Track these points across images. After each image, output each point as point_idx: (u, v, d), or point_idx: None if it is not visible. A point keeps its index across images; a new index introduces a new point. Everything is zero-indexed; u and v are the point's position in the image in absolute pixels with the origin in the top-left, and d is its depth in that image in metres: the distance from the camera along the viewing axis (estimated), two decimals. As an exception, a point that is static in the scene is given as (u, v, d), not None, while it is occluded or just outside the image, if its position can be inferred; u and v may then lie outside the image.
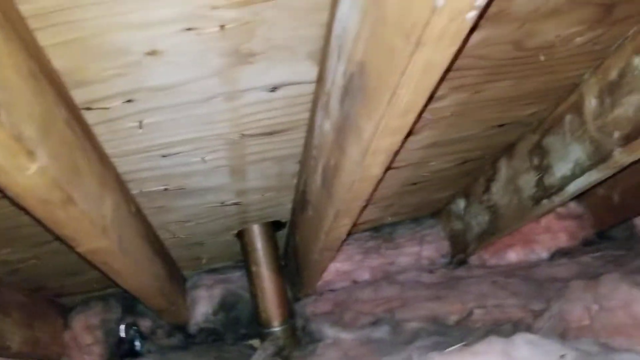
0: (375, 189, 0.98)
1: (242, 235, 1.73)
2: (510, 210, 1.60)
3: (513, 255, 2.06)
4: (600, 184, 2.06)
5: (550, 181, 1.37)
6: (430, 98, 0.81)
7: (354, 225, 1.99)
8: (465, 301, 1.65)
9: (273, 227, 1.76)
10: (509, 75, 1.09)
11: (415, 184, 1.69)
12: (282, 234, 1.82)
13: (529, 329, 1.51)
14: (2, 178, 0.64)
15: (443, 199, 1.99)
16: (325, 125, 0.92)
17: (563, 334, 1.37)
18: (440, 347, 1.19)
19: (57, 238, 1.33)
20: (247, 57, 0.83)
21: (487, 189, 1.71)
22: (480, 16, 0.77)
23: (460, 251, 2.03)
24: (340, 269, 2.06)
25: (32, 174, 0.63)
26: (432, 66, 0.57)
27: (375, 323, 1.56)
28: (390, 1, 0.54)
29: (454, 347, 0.94)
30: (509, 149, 1.53)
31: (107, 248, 0.98)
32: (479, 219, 1.81)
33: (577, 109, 1.21)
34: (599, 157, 1.18)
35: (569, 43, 1.00)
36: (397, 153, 0.84)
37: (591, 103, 1.17)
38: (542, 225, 2.09)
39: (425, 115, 1.18)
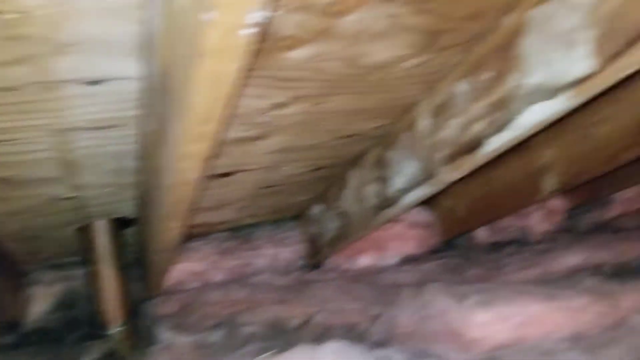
0: (198, 193, 0.96)
1: (83, 231, 1.64)
2: (357, 218, 1.66)
3: (365, 260, 2.14)
4: (447, 197, 2.23)
5: (389, 193, 1.44)
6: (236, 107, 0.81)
7: (211, 225, 2.00)
8: (308, 305, 1.68)
9: (120, 223, 1.68)
10: (347, 90, 1.12)
11: (269, 187, 1.70)
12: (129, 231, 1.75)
13: (364, 333, 1.58)
14: None
15: (302, 203, 2.02)
16: (149, 125, 0.89)
17: (391, 339, 1.45)
18: (267, 351, 1.21)
19: None
20: (59, 48, 0.78)
21: (339, 197, 1.76)
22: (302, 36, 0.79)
23: (315, 255, 2.07)
24: (194, 269, 2.02)
25: None
26: (220, 77, 0.56)
27: (214, 327, 1.55)
28: (178, 10, 0.53)
29: (263, 356, 0.95)
30: (357, 160, 1.59)
31: None
32: (331, 225, 1.86)
33: (412, 127, 1.28)
34: (427, 173, 1.26)
35: (399, 65, 1.05)
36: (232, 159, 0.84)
37: (422, 123, 1.24)
38: (394, 233, 2.19)
39: (267, 120, 1.18)
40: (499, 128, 1.01)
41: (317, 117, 1.23)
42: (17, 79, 0.85)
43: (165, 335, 1.46)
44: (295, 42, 0.89)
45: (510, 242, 2.21)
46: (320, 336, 1.54)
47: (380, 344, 1.47)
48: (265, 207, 1.96)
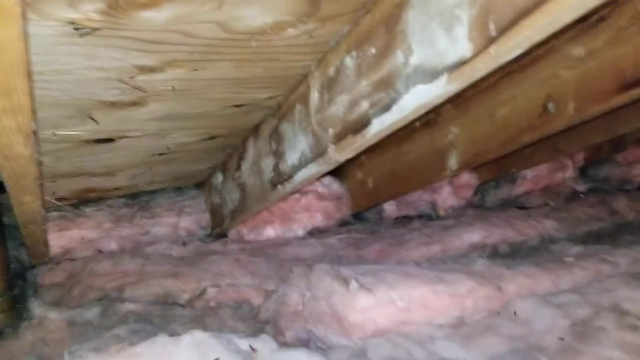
0: (38, 167, 0.85)
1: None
2: (255, 190, 1.58)
3: (271, 232, 2.07)
4: (357, 169, 2.18)
5: (283, 168, 1.37)
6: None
7: (104, 190, 1.87)
8: (201, 279, 1.60)
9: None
10: (225, 57, 1.02)
11: (162, 154, 1.59)
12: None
13: (253, 310, 1.53)
14: None
15: (203, 171, 1.92)
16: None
17: (279, 318, 1.39)
18: (138, 334, 1.13)
19: None
20: None
21: (238, 167, 1.67)
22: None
23: (218, 225, 1.99)
24: (85, 236, 1.90)
25: None
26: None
27: (92, 302, 1.45)
28: None
29: (117, 346, 0.87)
30: (255, 130, 1.50)
31: None
32: (232, 196, 1.78)
33: (305, 100, 1.20)
34: (318, 151, 1.19)
35: (281, 33, 0.96)
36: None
37: (315, 96, 1.16)
38: (302, 204, 2.13)
39: (140, 85, 1.07)
40: (384, 109, 0.95)
41: (198, 84, 1.13)
42: None
43: (39, 310, 1.35)
44: (151, 1, 0.78)
45: (418, 217, 2.21)
46: (208, 314, 1.48)
47: (267, 322, 1.42)
48: (162, 175, 1.86)
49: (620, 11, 1.15)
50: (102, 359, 0.83)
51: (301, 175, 1.30)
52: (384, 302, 1.17)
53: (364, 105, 1.00)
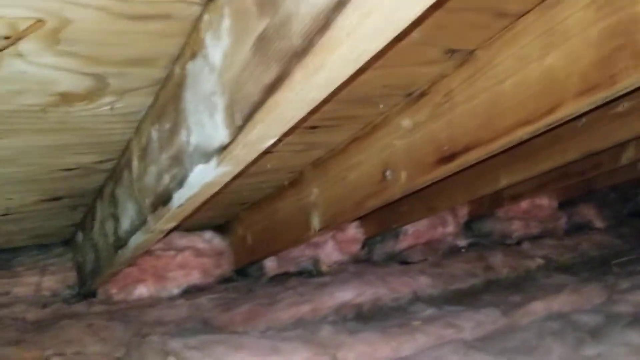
0: None
1: None
2: (104, 253, 1.53)
3: (143, 291, 2.00)
4: (238, 225, 2.16)
5: (120, 232, 1.33)
6: None
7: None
8: (46, 347, 1.52)
9: None
10: (23, 127, 0.99)
11: (6, 215, 1.52)
12: None
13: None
14: None
15: (65, 228, 1.85)
16: None
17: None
18: None
19: None
20: None
21: (92, 227, 1.62)
22: None
23: (83, 284, 1.91)
24: None
25: None
26: None
27: None
28: None
29: None
30: (100, 191, 1.46)
31: None
32: (89, 256, 1.71)
33: (129, 166, 1.18)
34: (141, 219, 1.16)
35: (76, 105, 0.94)
36: None
37: (135, 164, 1.14)
38: (177, 262, 2.08)
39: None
40: (179, 184, 0.94)
41: (10, 152, 1.09)
42: None
43: None
44: None
45: (299, 273, 2.19)
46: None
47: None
48: (18, 233, 1.77)
49: (437, 88, 1.19)
50: None
51: (134, 241, 1.26)
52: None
53: (166, 178, 0.98)
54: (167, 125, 0.94)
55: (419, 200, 2.09)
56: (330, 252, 2.28)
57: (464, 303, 1.74)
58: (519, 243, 2.48)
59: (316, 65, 0.55)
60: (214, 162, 0.81)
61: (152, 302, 1.93)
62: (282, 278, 2.14)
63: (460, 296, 1.89)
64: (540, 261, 2.25)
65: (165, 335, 1.33)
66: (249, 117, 0.69)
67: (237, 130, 0.72)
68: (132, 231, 1.24)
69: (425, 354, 1.27)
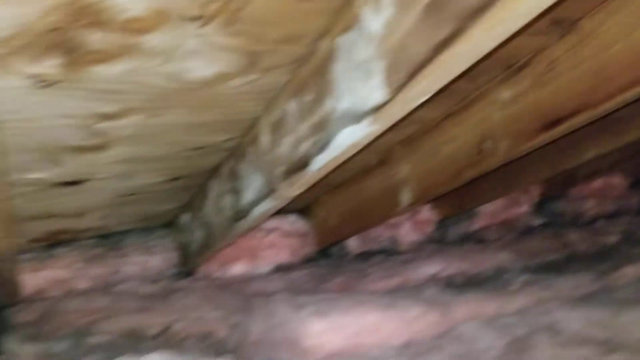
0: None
1: None
2: (217, 228, 1.67)
3: (238, 269, 2.15)
4: (321, 206, 2.28)
5: (241, 205, 1.46)
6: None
7: (75, 232, 1.94)
8: (170, 313, 1.67)
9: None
10: (178, 104, 1.13)
11: (129, 195, 1.68)
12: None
13: (219, 342, 1.59)
14: None
15: (171, 211, 2.00)
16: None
17: (242, 349, 1.46)
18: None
19: None
20: None
21: (202, 206, 1.76)
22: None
23: (185, 263, 2.06)
24: (57, 276, 1.95)
25: None
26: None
27: (63, 336, 1.51)
28: None
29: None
30: (215, 171, 1.60)
31: None
32: (197, 234, 1.86)
33: (256, 142, 1.31)
34: (270, 188, 1.29)
35: (226, 83, 1.07)
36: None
37: (263, 138, 1.27)
38: (268, 242, 2.22)
39: (103, 131, 1.17)
40: (321, 148, 1.06)
41: (156, 129, 1.23)
42: None
43: (10, 345, 1.41)
44: (103, 57, 0.89)
45: (379, 252, 2.30)
46: (175, 345, 1.54)
47: (231, 352, 1.49)
48: (130, 215, 1.93)
49: (539, 59, 1.28)
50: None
51: (257, 212, 1.39)
52: (336, 326, 1.25)
53: (305, 145, 1.11)
54: (309, 97, 1.06)
55: (497, 179, 2.16)
56: (407, 233, 2.38)
57: (553, 272, 1.81)
58: (593, 221, 2.53)
59: (495, 20, 0.65)
60: (365, 122, 0.92)
61: (248, 278, 2.07)
62: (365, 256, 2.25)
63: (545, 269, 1.96)
64: (619, 236, 2.29)
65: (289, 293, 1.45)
66: (412, 76, 0.80)
67: (397, 90, 0.83)
68: (257, 201, 1.37)
69: (531, 310, 1.36)
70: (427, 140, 1.66)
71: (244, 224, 1.50)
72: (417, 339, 1.32)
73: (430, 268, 1.99)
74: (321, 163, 1.08)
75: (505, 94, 1.38)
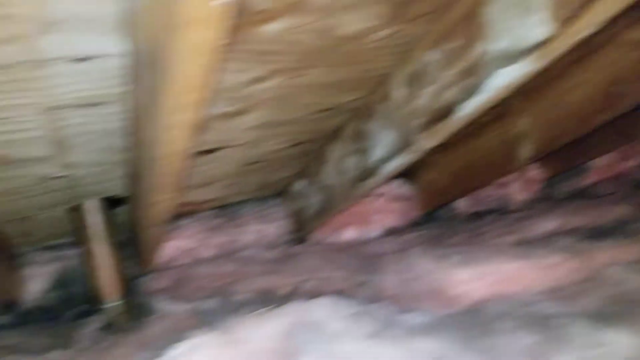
0: (190, 165, 1.01)
1: (75, 211, 1.69)
2: (338, 190, 1.72)
3: (349, 234, 2.21)
4: (427, 170, 2.29)
5: (369, 164, 1.50)
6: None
7: (197, 204, 2.05)
8: (296, 274, 1.75)
9: (110, 202, 1.73)
10: (322, 62, 1.17)
11: (252, 163, 1.75)
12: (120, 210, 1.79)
13: (351, 298, 1.65)
14: None
15: (285, 179, 2.07)
16: (137, 100, 0.94)
17: (377, 301, 1.51)
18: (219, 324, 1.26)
19: None
20: (45, 26, 0.82)
21: (320, 171, 1.81)
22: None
23: (299, 230, 2.13)
24: (183, 246, 2.07)
25: None
26: (200, 46, 0.61)
27: (207, 296, 1.61)
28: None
29: (260, 310, 1.01)
30: (336, 133, 1.64)
31: None
32: (314, 199, 1.92)
33: (387, 97, 1.34)
34: (405, 142, 1.31)
35: (371, 36, 1.10)
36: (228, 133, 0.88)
37: (397, 93, 1.29)
38: (376, 206, 2.26)
39: (248, 95, 1.23)
40: (470, 93, 1.07)
41: (294, 90, 1.28)
42: (5, 57, 0.89)
43: (161, 305, 1.52)
44: (269, 16, 0.93)
45: (489, 212, 2.28)
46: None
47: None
48: (250, 184, 2.01)
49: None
50: (250, 320, 0.97)
51: (388, 168, 1.43)
52: (480, 274, 1.27)
53: (450, 93, 1.12)
54: (455, 44, 1.08)
55: (607, 133, 2.10)
56: (516, 192, 2.36)
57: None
58: None
59: None
60: (523, 61, 0.93)
61: (361, 242, 2.12)
62: (476, 216, 2.25)
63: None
64: None
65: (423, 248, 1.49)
66: (580, 8, 0.80)
67: (564, 23, 0.84)
68: (387, 158, 1.40)
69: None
70: (549, 90, 1.64)
71: (369, 183, 1.54)
72: (560, 285, 1.32)
73: (548, 224, 1.96)
74: (468, 109, 1.10)
75: (637, 35, 1.34)
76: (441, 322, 1.01)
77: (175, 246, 2.06)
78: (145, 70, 0.84)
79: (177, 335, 1.35)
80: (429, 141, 1.25)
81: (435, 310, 1.28)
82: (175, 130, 0.82)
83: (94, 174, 1.48)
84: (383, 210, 2.25)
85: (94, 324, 1.54)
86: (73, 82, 0.99)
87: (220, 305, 1.50)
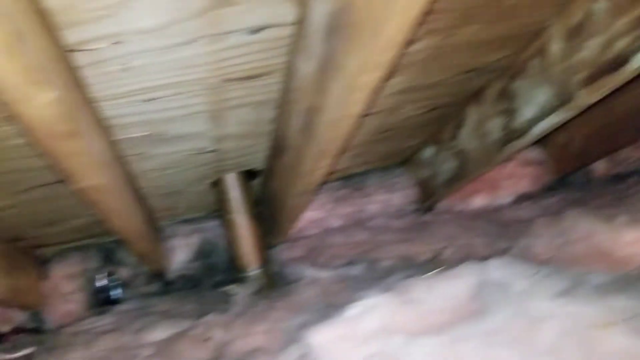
0: (355, 129, 1.02)
1: (217, 185, 1.76)
2: (477, 155, 1.67)
3: (478, 201, 2.15)
4: (560, 132, 2.18)
5: (516, 125, 1.44)
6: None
7: (328, 173, 2.07)
8: (434, 242, 1.73)
9: (247, 176, 1.79)
10: (479, 19, 1.13)
11: (386, 131, 1.74)
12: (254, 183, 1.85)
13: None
14: (14, 107, 0.66)
15: (412, 147, 2.05)
16: (306, 67, 0.95)
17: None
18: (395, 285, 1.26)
19: (42, 185, 1.35)
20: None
21: (455, 136, 1.77)
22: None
23: (428, 198, 2.11)
24: (312, 217, 2.12)
25: (44, 104, 0.65)
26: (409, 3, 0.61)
27: (350, 263, 1.64)
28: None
29: (431, 273, 1.01)
30: (477, 95, 1.59)
31: (105, 185, 1.01)
32: (447, 166, 1.88)
33: (543, 53, 1.27)
34: (563, 99, 1.25)
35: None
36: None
37: (555, 47, 1.23)
38: (506, 172, 2.18)
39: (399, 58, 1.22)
40: (647, 42, 1.00)
41: (443, 52, 1.25)
42: (186, 34, 0.93)
43: (305, 272, 1.57)
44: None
45: (632, 173, 2.14)
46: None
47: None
48: (376, 154, 2.01)
49: None
50: (424, 282, 0.97)
51: (539, 128, 1.37)
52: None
53: (621, 44, 1.05)
54: (629, -11, 1.00)
55: None
56: (659, 152, 2.19)
57: None
58: None
59: None
60: None
61: (492, 209, 2.07)
62: (617, 179, 2.12)
63: None
64: None
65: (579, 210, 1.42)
66: None
67: None
68: (539, 118, 1.34)
69: None
70: None
71: (516, 145, 1.48)
72: None
73: None
74: (645, 59, 1.02)
75: None
76: (626, 281, 0.96)
77: (305, 217, 2.10)
78: (322, 37, 0.85)
79: (328, 299, 1.40)
80: (591, 97, 1.18)
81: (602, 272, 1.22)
82: (358, 91, 0.83)
83: (240, 148, 1.53)
84: (514, 175, 2.17)
85: (242, 290, 1.61)
86: (243, 54, 1.02)
87: (367, 271, 1.51)
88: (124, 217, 1.27)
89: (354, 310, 0.94)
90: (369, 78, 0.79)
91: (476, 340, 0.80)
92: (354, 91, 0.82)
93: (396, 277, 1.36)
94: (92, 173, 0.95)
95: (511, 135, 1.47)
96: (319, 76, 0.91)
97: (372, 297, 0.95)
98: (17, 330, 1.86)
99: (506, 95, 1.45)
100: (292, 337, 1.26)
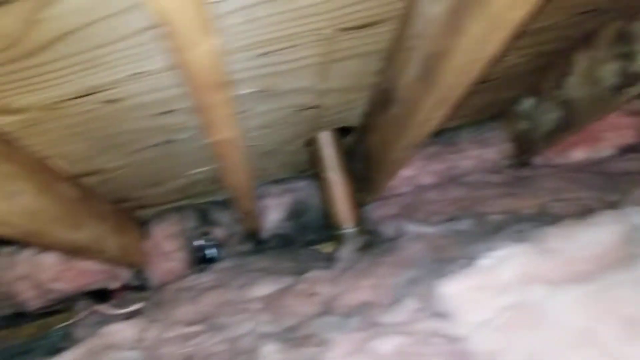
0: (482, 74, 0.97)
1: (310, 143, 1.76)
2: (586, 103, 1.58)
3: (578, 154, 2.05)
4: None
5: (634, 68, 1.35)
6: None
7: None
8: (539, 196, 1.67)
9: (340, 133, 1.77)
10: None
11: (485, 82, 1.67)
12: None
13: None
14: (181, 54, 0.66)
15: (507, 100, 1.96)
16: (434, 9, 0.91)
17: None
18: (529, 235, 1.22)
19: (152, 145, 1.39)
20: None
21: (559, 85, 1.68)
22: None
23: (525, 152, 2.03)
24: (404, 174, 2.08)
25: (206, 52, 0.65)
26: None
27: (455, 218, 1.60)
28: None
29: (565, 222, 0.96)
30: (588, 39, 1.49)
31: (233, 139, 1.02)
32: (549, 117, 1.80)
33: (674, -13, 1.17)
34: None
35: None
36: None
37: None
38: (608, 123, 2.06)
39: None
40: None
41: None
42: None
43: (411, 227, 1.54)
44: None
45: None
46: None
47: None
48: (468, 108, 1.93)
49: None
50: (560, 232, 0.93)
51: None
52: None
53: None
54: None
55: None
56: None
57: None
58: None
59: None
60: None
61: (594, 162, 1.97)
62: None
63: None
64: None
65: None
66: None
67: None
68: (667, 58, 1.24)
69: None
70: None
71: (633, 90, 1.39)
72: None
73: None
74: None
75: None
76: None
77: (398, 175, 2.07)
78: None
79: (438, 254, 1.37)
80: None
81: None
82: (499, 31, 0.78)
83: (340, 103, 1.51)
84: (616, 126, 2.05)
85: (352, 244, 1.62)
86: (360, 1, 0.99)
87: (475, 226, 1.48)
88: (240, 173, 1.29)
89: (487, 261, 0.91)
90: (518, 14, 0.74)
91: (628, 288, 0.76)
92: (496, 30, 0.78)
93: (509, 231, 1.31)
94: (227, 126, 0.96)
95: (628, 80, 1.38)
96: (450, 17, 0.86)
97: (506, 247, 0.92)
98: (125, 288, 1.95)
99: (624, 37, 1.35)
100: (403, 292, 1.25)
